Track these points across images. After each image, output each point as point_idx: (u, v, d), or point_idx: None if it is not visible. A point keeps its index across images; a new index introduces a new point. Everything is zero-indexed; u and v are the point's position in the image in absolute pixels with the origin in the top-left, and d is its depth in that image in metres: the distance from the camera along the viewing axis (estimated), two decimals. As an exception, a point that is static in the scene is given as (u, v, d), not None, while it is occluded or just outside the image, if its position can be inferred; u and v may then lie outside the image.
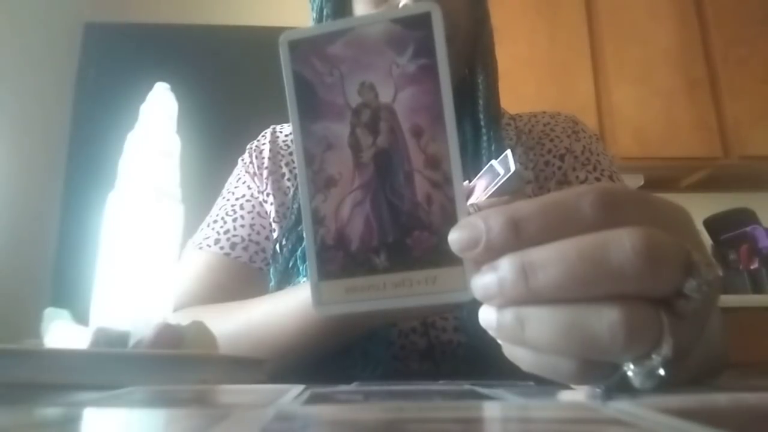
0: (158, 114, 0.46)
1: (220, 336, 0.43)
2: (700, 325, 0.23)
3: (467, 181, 0.49)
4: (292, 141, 0.65)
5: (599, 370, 0.22)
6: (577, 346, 0.21)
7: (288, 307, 0.50)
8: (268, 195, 0.70)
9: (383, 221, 0.25)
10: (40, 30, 2.17)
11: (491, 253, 0.22)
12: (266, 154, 0.73)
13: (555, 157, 0.68)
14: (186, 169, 0.46)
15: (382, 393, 0.28)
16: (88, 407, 0.23)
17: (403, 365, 0.58)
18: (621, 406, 0.19)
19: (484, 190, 0.46)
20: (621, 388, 0.22)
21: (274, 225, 0.69)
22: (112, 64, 2.13)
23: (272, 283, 0.64)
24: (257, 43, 1.69)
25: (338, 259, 0.25)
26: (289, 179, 0.71)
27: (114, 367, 0.35)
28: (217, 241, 0.67)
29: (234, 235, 0.67)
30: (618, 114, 2.06)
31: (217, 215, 0.70)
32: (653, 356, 0.21)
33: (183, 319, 0.42)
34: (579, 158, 0.68)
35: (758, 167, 2.08)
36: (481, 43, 0.68)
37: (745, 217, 1.97)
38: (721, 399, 0.23)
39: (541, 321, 0.21)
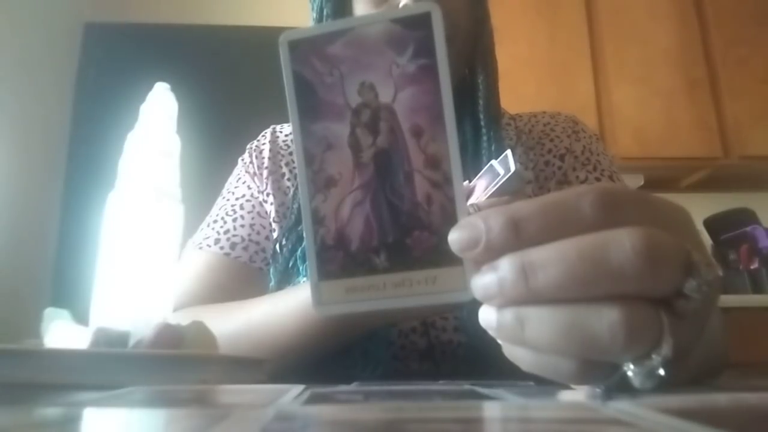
0: (158, 114, 0.46)
1: (220, 336, 0.43)
2: (700, 325, 0.23)
3: (467, 181, 0.49)
4: (292, 141, 0.65)
5: (599, 370, 0.22)
6: (577, 346, 0.21)
7: (288, 307, 0.50)
8: (268, 195, 0.70)
9: (383, 221, 0.25)
10: (40, 30, 2.17)
11: (491, 253, 0.22)
12: (266, 154, 0.73)
13: (555, 157, 0.68)
14: (186, 169, 0.46)
15: (382, 393, 0.28)
16: (88, 407, 0.23)
17: (403, 365, 0.58)
18: (621, 406, 0.19)
19: (484, 190, 0.46)
20: (621, 388, 0.22)
21: (274, 225, 0.69)
22: (112, 64, 2.13)
23: (272, 283, 0.64)
24: (257, 43, 1.69)
25: (338, 259, 0.25)
26: (289, 179, 0.71)
27: (114, 367, 0.35)
28: (217, 241, 0.67)
29: (234, 235, 0.67)
30: (618, 114, 2.06)
31: (217, 215, 0.70)
32: (653, 356, 0.21)
33: (183, 319, 0.42)
34: (579, 158, 0.68)
35: (758, 167, 2.08)
36: (481, 43, 0.68)
37: (745, 217, 1.97)
38: (721, 399, 0.23)
39: (541, 321, 0.21)
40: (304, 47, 0.26)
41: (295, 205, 0.66)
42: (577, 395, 0.25)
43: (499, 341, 0.24)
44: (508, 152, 0.46)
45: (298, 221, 0.64)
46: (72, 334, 0.40)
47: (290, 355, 0.50)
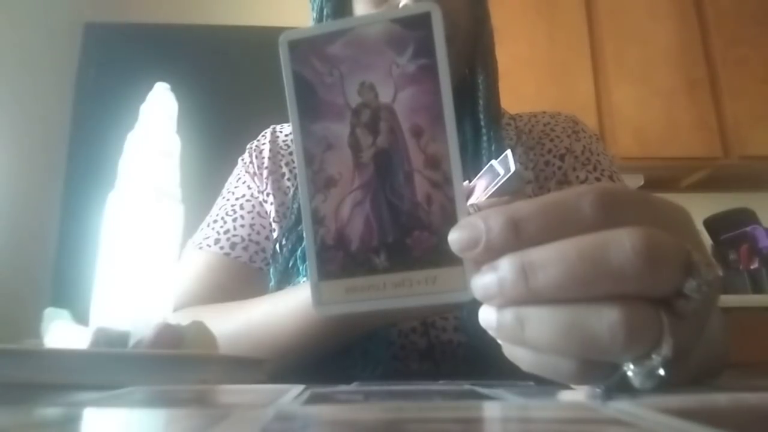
0: (158, 114, 0.46)
1: (220, 336, 0.43)
2: (700, 325, 0.23)
3: (467, 181, 0.49)
4: (292, 141, 0.65)
5: (599, 370, 0.22)
6: (577, 346, 0.21)
7: (288, 307, 0.50)
8: (268, 195, 0.70)
9: (383, 221, 0.25)
10: (40, 30, 2.17)
11: (491, 253, 0.22)
12: (266, 153, 0.73)
13: (555, 157, 0.68)
14: (186, 169, 0.46)
15: (382, 393, 0.28)
16: (88, 407, 0.23)
17: (403, 365, 0.58)
18: (621, 406, 0.19)
19: (484, 190, 0.46)
20: (621, 388, 0.22)
21: (274, 225, 0.69)
22: (112, 64, 2.13)
23: (272, 283, 0.64)
24: (257, 43, 1.69)
25: (338, 259, 0.25)
26: (289, 179, 0.71)
27: (114, 367, 0.35)
28: (217, 241, 0.67)
29: (234, 235, 0.67)
30: (618, 114, 2.06)
31: (217, 215, 0.70)
32: (653, 356, 0.21)
33: (183, 319, 0.42)
34: (579, 158, 0.68)
35: (758, 167, 2.08)
36: (482, 43, 0.68)
37: (745, 217, 1.97)
38: (721, 399, 0.23)
39: (541, 321, 0.21)
40: (304, 47, 0.26)
41: (295, 205, 0.66)
42: (577, 395, 0.25)
43: (499, 341, 0.24)
44: (508, 152, 0.46)
45: (298, 221, 0.64)
46: (72, 334, 0.40)
47: (290, 355, 0.50)
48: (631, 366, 0.21)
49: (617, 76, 2.10)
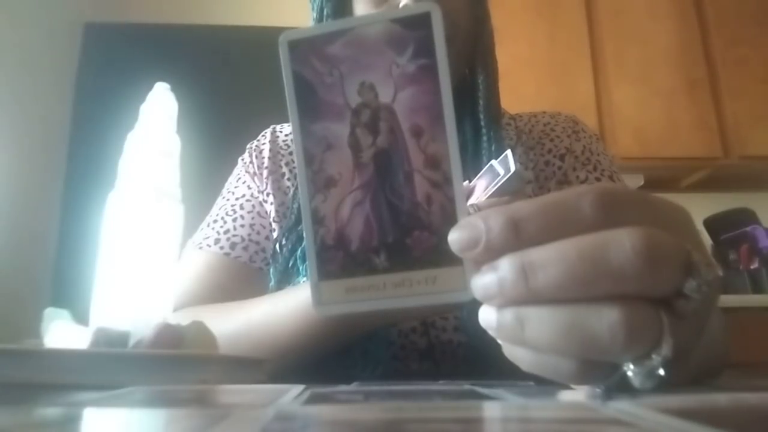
0: (158, 114, 0.46)
1: (220, 336, 0.43)
2: (700, 325, 0.23)
3: (467, 181, 0.49)
4: (292, 141, 0.65)
5: (599, 370, 0.22)
6: (577, 346, 0.21)
7: (288, 307, 0.50)
8: (268, 195, 0.70)
9: (383, 221, 0.25)
10: (40, 30, 2.17)
11: (491, 253, 0.22)
12: (266, 153, 0.73)
13: (555, 157, 0.68)
14: (186, 169, 0.46)
15: (382, 393, 0.28)
16: (88, 407, 0.23)
17: (403, 365, 0.58)
18: (621, 406, 0.19)
19: (484, 190, 0.46)
20: (621, 388, 0.22)
21: (274, 225, 0.69)
22: (112, 64, 2.13)
23: (272, 283, 0.64)
24: (257, 43, 1.69)
25: (338, 259, 0.25)
26: (289, 179, 0.71)
27: (114, 367, 0.35)
28: (217, 241, 0.67)
29: (234, 235, 0.67)
30: (618, 114, 2.06)
31: (217, 215, 0.70)
32: (653, 356, 0.21)
33: (183, 319, 0.42)
34: (579, 158, 0.68)
35: (758, 167, 2.08)
36: (482, 43, 0.68)
37: (745, 217, 1.97)
38: (721, 399, 0.23)
39: (541, 321, 0.21)
40: (304, 47, 0.26)
41: (295, 205, 0.66)
42: (577, 395, 0.25)
43: (499, 341, 0.24)
44: (508, 152, 0.46)
45: (298, 221, 0.64)
46: (72, 334, 0.40)
47: (290, 355, 0.50)
48: (631, 366, 0.21)
49: (617, 76, 2.09)
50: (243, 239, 0.67)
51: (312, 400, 0.24)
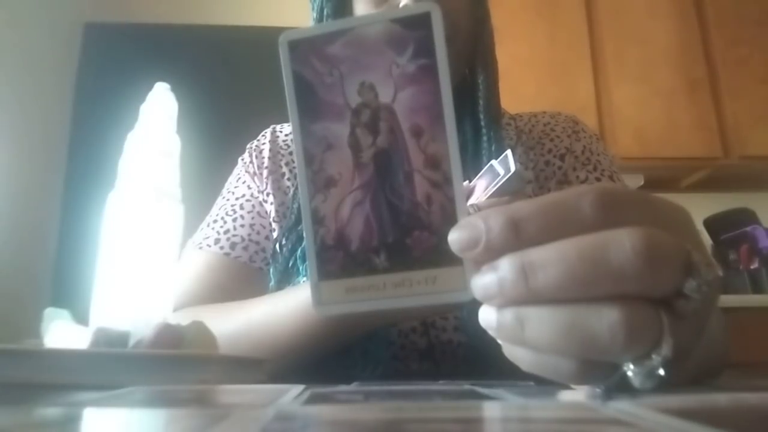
0: (158, 114, 0.46)
1: (220, 336, 0.43)
2: (700, 325, 0.23)
3: (467, 181, 0.49)
4: (292, 141, 0.65)
5: (599, 370, 0.22)
6: (577, 346, 0.21)
7: (288, 307, 0.50)
8: (268, 195, 0.70)
9: (383, 221, 0.25)
10: (40, 30, 2.17)
11: (491, 253, 0.22)
12: (266, 153, 0.73)
13: (555, 157, 0.68)
14: (186, 169, 0.46)
15: (382, 393, 0.28)
16: (88, 407, 0.23)
17: (403, 365, 0.58)
18: (621, 406, 0.19)
19: (484, 190, 0.46)
20: (621, 388, 0.22)
21: (274, 225, 0.69)
22: (112, 64, 2.13)
23: (272, 283, 0.64)
24: (257, 43, 1.69)
25: (338, 259, 0.25)
26: (289, 179, 0.71)
27: (114, 367, 0.35)
28: (217, 241, 0.67)
29: (234, 235, 0.67)
30: (618, 114, 2.06)
31: (217, 215, 0.70)
32: (653, 356, 0.21)
33: (183, 319, 0.42)
34: (579, 158, 0.68)
35: (758, 167, 2.08)
36: (482, 43, 0.68)
37: (745, 217, 1.97)
38: (721, 399, 0.23)
39: (541, 321, 0.21)
40: (304, 47, 0.26)
41: (295, 205, 0.66)
42: (577, 395, 0.25)
43: (499, 341, 0.24)
44: (508, 152, 0.46)
45: (298, 221, 0.64)
46: (72, 334, 0.40)
47: (290, 355, 0.50)
48: (631, 366, 0.21)
49: (617, 76, 2.09)
50: (243, 239, 0.67)
51: (312, 400, 0.24)
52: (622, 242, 0.20)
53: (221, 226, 0.68)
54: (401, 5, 0.59)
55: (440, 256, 0.24)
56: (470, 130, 0.66)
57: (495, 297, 0.22)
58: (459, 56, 0.65)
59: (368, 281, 0.25)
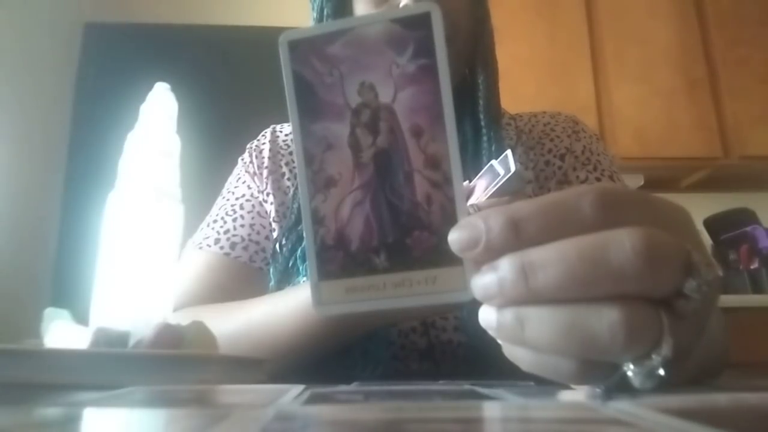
0: (158, 114, 0.46)
1: (220, 336, 0.43)
2: (700, 325, 0.23)
3: (467, 181, 0.49)
4: (292, 141, 0.65)
5: (599, 370, 0.22)
6: (577, 346, 0.21)
7: (288, 307, 0.50)
8: (268, 194, 0.70)
9: (383, 221, 0.25)
10: (40, 30, 2.17)
11: (491, 253, 0.22)
12: (266, 153, 0.73)
13: (555, 157, 0.68)
14: (186, 169, 0.46)
15: (382, 393, 0.28)
16: (88, 407, 0.23)
17: (403, 365, 0.58)
18: (621, 406, 0.19)
19: (484, 190, 0.46)
20: (621, 388, 0.22)
21: (274, 225, 0.69)
22: (112, 64, 2.13)
23: (272, 283, 0.64)
24: (257, 43, 1.69)
25: (338, 259, 0.25)
26: (289, 179, 0.71)
27: (114, 367, 0.35)
28: (217, 241, 0.67)
29: (234, 235, 0.67)
30: (618, 114, 2.06)
31: (217, 215, 0.70)
32: (653, 356, 0.21)
33: (183, 319, 0.42)
34: (579, 158, 0.68)
35: (758, 167, 2.08)
36: (482, 43, 0.68)
37: (745, 217, 1.97)
38: (721, 399, 0.23)
39: (541, 321, 0.21)
40: (304, 47, 0.26)
41: (295, 205, 0.66)
42: (577, 395, 0.25)
43: (499, 341, 0.24)
44: (508, 152, 0.46)
45: (298, 221, 0.64)
46: (72, 334, 0.40)
47: (290, 355, 0.50)
48: (631, 366, 0.21)
49: (617, 76, 2.09)
50: (243, 239, 0.67)
51: (312, 400, 0.24)
52: (622, 242, 0.20)
53: (221, 226, 0.68)
54: (401, 5, 0.59)
55: (440, 256, 0.24)
56: (470, 130, 0.66)
57: (495, 297, 0.22)
58: (459, 56, 0.65)
59: (368, 281, 0.25)
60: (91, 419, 0.20)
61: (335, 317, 0.28)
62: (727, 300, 1.62)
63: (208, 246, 0.67)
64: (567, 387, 0.27)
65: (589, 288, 0.21)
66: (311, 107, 0.26)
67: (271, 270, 0.65)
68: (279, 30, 0.27)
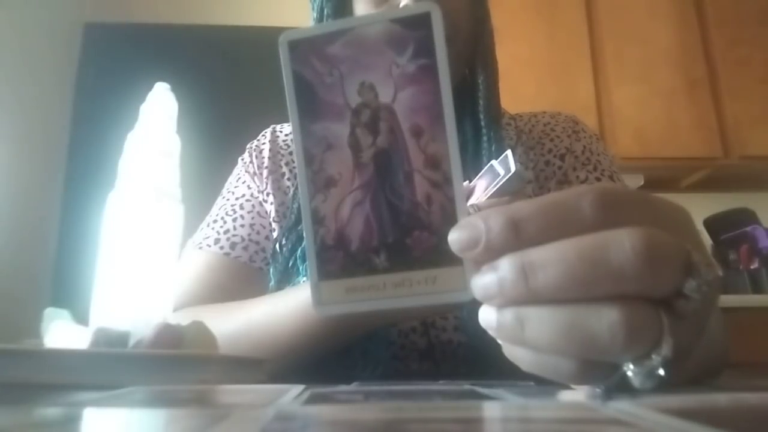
0: (158, 114, 0.46)
1: (220, 336, 0.43)
2: (700, 325, 0.23)
3: (467, 181, 0.49)
4: (292, 141, 0.65)
5: (599, 370, 0.22)
6: (577, 346, 0.21)
7: (288, 307, 0.50)
8: (268, 194, 0.70)
9: (383, 221, 0.25)
10: (40, 30, 2.17)
11: (491, 253, 0.22)
12: (266, 153, 0.73)
13: (555, 157, 0.68)
14: (186, 169, 0.46)
15: (382, 393, 0.28)
16: (88, 407, 0.23)
17: (403, 365, 0.58)
18: (621, 406, 0.19)
19: (484, 190, 0.46)
20: (621, 388, 0.22)
21: (274, 225, 0.69)
22: (112, 64, 2.13)
23: (272, 283, 0.64)
24: (257, 43, 1.69)
25: (338, 259, 0.25)
26: (289, 179, 0.71)
27: (114, 367, 0.35)
28: (217, 241, 0.67)
29: (234, 235, 0.67)
30: (618, 114, 2.06)
31: (217, 215, 0.70)
32: (653, 356, 0.21)
33: (183, 319, 0.42)
34: (579, 158, 0.68)
35: (758, 167, 2.08)
36: (482, 43, 0.68)
37: (745, 217, 1.97)
38: (721, 399, 0.23)
39: (541, 321, 0.21)
40: (304, 47, 0.26)
41: (295, 205, 0.66)
42: (577, 395, 0.25)
43: (499, 341, 0.24)
44: (509, 152, 0.46)
45: (298, 221, 0.64)
46: (72, 334, 0.40)
47: (290, 355, 0.50)
48: (631, 366, 0.21)
49: (617, 76, 2.09)
50: (243, 239, 0.67)
51: (312, 400, 0.24)
52: (622, 242, 0.20)
53: (221, 226, 0.68)
54: (401, 5, 0.59)
55: (440, 256, 0.24)
56: (470, 130, 0.66)
57: (495, 297, 0.22)
58: (459, 56, 0.65)
59: (368, 281, 0.25)
60: (91, 419, 0.20)
61: (335, 317, 0.28)
62: (727, 300, 1.63)
63: (208, 246, 0.67)
64: (567, 387, 0.27)
65: (589, 288, 0.21)
66: (311, 107, 0.26)
67: (271, 270, 0.65)
68: (279, 30, 0.27)
